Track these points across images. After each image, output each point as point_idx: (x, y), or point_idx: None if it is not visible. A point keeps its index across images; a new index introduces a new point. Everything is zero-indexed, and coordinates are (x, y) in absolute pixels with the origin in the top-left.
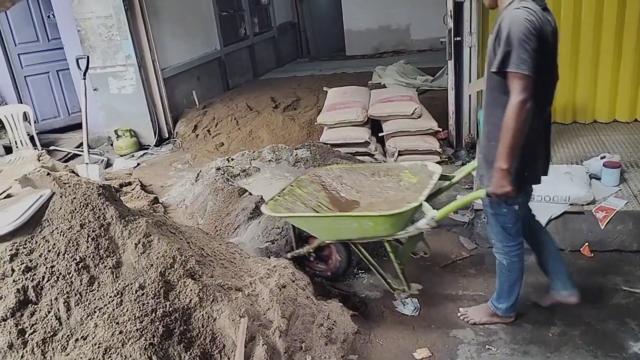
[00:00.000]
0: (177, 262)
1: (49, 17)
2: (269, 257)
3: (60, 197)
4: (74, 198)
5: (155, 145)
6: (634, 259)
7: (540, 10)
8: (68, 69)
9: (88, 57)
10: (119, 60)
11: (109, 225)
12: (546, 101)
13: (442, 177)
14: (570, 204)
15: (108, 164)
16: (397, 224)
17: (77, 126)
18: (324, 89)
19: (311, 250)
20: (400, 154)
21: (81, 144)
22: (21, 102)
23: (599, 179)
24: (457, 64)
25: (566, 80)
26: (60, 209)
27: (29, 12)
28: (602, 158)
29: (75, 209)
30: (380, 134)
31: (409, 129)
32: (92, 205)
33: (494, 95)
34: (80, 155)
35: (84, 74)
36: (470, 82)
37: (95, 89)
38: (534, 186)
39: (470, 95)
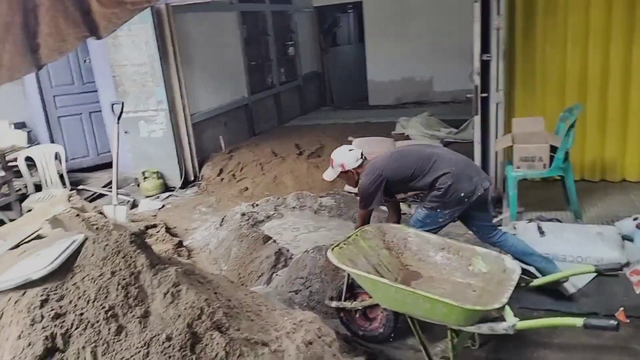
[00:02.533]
0: (204, 313)
1: (85, 61)
2: (293, 308)
3: (93, 242)
4: (107, 245)
5: (181, 188)
6: None
7: None
8: (100, 111)
9: (123, 103)
10: (150, 105)
11: (139, 274)
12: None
13: (520, 278)
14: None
15: (134, 205)
16: (472, 318)
17: (105, 166)
18: (349, 138)
19: (359, 308)
20: None
21: (108, 184)
22: (52, 142)
23: (631, 240)
24: (483, 119)
25: (595, 138)
26: (92, 255)
27: (66, 56)
28: (635, 219)
29: (107, 256)
30: None
31: None
32: (124, 253)
33: None
34: (106, 195)
35: (118, 119)
36: (496, 137)
37: (126, 132)
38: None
39: (497, 151)
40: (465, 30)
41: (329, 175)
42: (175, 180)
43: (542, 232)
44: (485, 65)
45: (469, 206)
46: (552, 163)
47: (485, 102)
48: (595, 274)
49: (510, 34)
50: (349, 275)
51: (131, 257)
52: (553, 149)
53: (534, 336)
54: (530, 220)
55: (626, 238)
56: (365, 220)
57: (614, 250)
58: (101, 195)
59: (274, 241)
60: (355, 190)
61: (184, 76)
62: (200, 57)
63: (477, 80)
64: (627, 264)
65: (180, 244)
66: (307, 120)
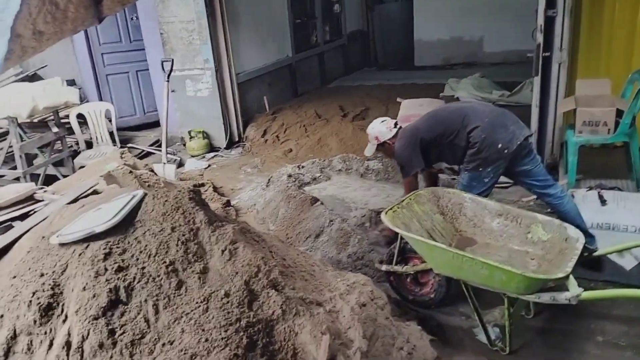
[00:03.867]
0: (261, 271)
1: (132, 19)
2: (341, 270)
3: (153, 198)
4: (166, 201)
5: (226, 148)
6: None
7: None
8: (147, 69)
9: (173, 60)
10: (197, 63)
11: (198, 230)
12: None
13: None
14: None
15: (180, 164)
16: (533, 286)
17: (151, 125)
18: (398, 99)
19: (411, 272)
20: None
21: (155, 143)
22: (101, 100)
23: None
24: (543, 81)
25: None
26: (153, 210)
27: (114, 14)
28: None
29: (167, 212)
30: None
31: None
32: (183, 209)
33: None
34: (154, 153)
35: (168, 77)
36: (557, 100)
37: (173, 91)
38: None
39: (555, 114)
40: None
41: (368, 150)
42: (221, 140)
43: (603, 201)
44: (549, 23)
45: (513, 158)
46: (616, 128)
47: (546, 62)
48: None
49: None
50: (401, 238)
51: (190, 214)
52: (618, 114)
53: (592, 307)
54: (590, 188)
55: None
56: (413, 189)
57: None
58: (149, 154)
59: (322, 203)
60: None
61: (231, 34)
62: (246, 14)
63: (540, 38)
64: None
65: (228, 204)
66: (350, 80)
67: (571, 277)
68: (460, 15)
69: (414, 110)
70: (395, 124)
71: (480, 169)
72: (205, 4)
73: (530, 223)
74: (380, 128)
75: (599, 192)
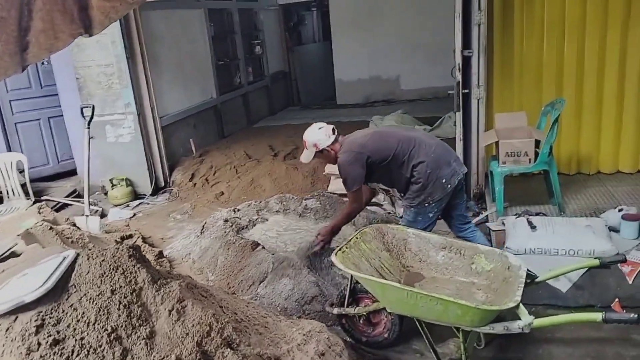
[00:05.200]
0: (213, 329)
1: (43, 63)
2: (291, 317)
3: (87, 259)
4: (103, 260)
5: (151, 195)
6: None
7: None
8: (60, 115)
9: (93, 106)
10: (117, 108)
11: (141, 290)
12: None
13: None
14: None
15: (102, 215)
16: (488, 318)
17: (66, 174)
18: None
19: (363, 313)
20: None
21: (72, 193)
22: (9, 150)
23: (617, 231)
24: (464, 115)
25: (570, 131)
26: (88, 272)
27: None
28: (619, 210)
29: (105, 273)
30: None
31: None
32: (123, 269)
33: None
34: (71, 205)
35: (88, 123)
36: (477, 133)
37: (92, 137)
38: (556, 242)
39: (478, 147)
40: (432, 28)
41: (306, 157)
42: (145, 187)
43: (533, 227)
44: (466, 62)
45: (451, 193)
46: (536, 157)
47: (466, 98)
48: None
49: (488, 29)
50: (352, 279)
51: (131, 273)
52: (535, 144)
53: (536, 333)
54: (518, 215)
55: (611, 229)
56: (357, 201)
57: (605, 242)
58: (65, 206)
59: (263, 247)
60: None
61: (152, 77)
62: (168, 56)
63: (459, 76)
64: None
65: (160, 255)
66: (276, 120)
67: (521, 305)
68: (378, 56)
69: None
70: (334, 130)
71: (426, 204)
72: (125, 47)
73: (473, 254)
74: (319, 135)
75: (527, 219)
